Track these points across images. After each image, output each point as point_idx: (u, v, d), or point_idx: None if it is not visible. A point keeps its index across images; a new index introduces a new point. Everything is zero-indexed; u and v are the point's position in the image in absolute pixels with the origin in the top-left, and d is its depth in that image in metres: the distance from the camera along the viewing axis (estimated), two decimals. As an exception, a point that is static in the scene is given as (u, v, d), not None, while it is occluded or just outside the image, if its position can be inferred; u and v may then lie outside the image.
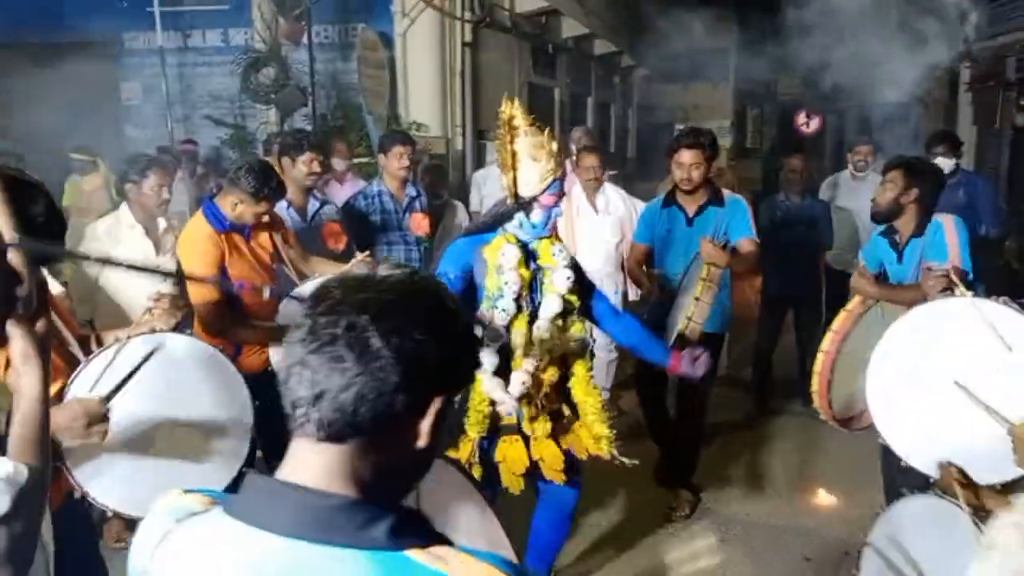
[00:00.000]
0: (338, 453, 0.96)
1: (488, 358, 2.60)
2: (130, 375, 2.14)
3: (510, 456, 2.72)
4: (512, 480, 2.74)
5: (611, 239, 5.09)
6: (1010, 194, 12.53)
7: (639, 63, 16.16)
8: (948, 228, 3.22)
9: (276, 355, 3.10)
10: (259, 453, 2.59)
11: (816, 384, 3.28)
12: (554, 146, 2.61)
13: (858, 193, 5.91)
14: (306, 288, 3.20)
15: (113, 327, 2.56)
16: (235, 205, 3.06)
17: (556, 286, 2.72)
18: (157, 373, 2.24)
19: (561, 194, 2.65)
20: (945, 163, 5.21)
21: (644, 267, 4.19)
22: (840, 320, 3.35)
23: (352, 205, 4.36)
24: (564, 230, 5.12)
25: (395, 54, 8.62)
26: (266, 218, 3.22)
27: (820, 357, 3.30)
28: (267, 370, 3.08)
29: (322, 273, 3.29)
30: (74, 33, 8.53)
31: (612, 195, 5.15)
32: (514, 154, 2.58)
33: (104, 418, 1.98)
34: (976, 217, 4.99)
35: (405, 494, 1.05)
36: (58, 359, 2.10)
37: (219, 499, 1.02)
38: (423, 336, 0.96)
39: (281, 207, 3.83)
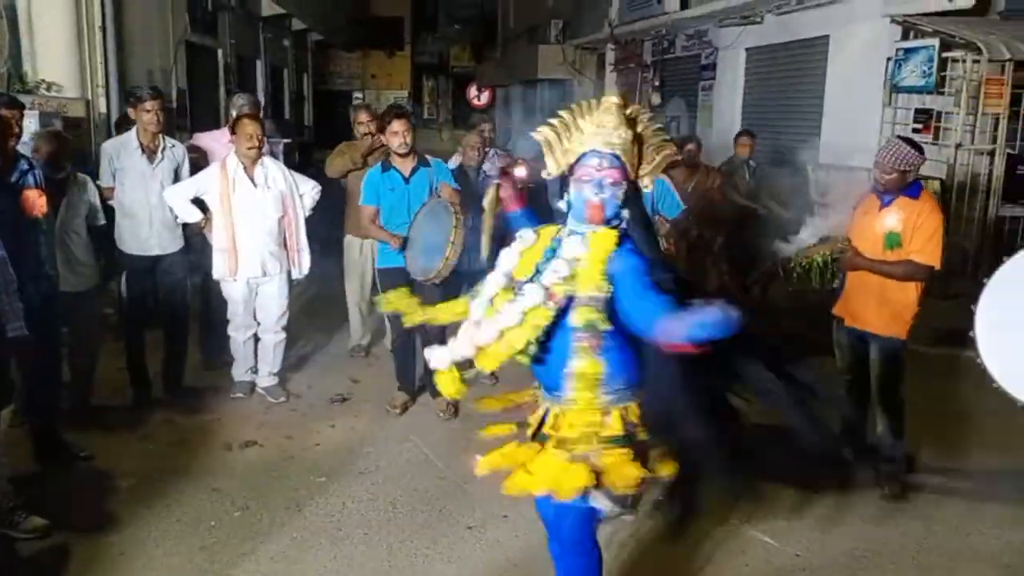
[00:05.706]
0: None
1: None
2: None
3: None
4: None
5: (273, 215, 4.80)
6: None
7: (312, 28, 15.64)
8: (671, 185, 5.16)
9: None
10: None
11: None
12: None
13: None
14: None
15: None
16: None
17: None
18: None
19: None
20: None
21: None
22: None
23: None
24: (219, 205, 4.73)
25: (15, 1, 7.40)
26: None
27: None
28: None
29: None
30: None
31: (272, 168, 4.84)
32: None
33: None
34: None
35: None
36: None
37: None
38: None
39: None
